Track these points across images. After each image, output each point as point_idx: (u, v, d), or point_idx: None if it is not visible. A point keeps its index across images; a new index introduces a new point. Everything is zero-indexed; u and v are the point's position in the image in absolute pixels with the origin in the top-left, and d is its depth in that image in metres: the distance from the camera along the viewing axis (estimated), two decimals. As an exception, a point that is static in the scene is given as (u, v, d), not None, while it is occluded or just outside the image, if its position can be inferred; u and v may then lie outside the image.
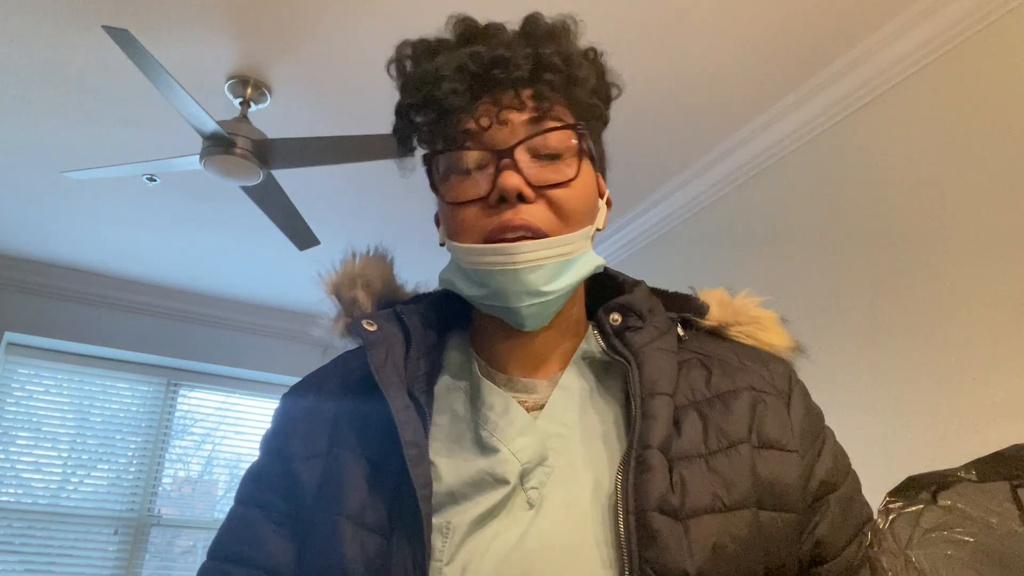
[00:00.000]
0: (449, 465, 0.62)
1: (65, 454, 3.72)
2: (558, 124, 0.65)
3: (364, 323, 0.67)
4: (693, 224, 2.81)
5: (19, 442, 3.65)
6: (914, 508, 0.45)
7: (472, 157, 0.64)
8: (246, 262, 3.64)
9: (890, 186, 2.03)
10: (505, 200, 0.62)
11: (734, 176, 2.59)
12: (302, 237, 2.73)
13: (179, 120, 2.35)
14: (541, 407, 0.66)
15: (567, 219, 0.64)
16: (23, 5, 2.04)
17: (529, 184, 0.63)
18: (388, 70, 0.71)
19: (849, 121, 2.20)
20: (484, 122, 0.64)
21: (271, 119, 2.45)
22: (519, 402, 0.66)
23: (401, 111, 0.69)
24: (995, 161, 1.76)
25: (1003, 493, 0.44)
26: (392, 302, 0.73)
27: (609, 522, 0.58)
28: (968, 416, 1.68)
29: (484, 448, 0.63)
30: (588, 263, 0.66)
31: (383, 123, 2.72)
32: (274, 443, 0.69)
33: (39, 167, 2.84)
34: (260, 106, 2.39)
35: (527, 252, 0.62)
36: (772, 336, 0.73)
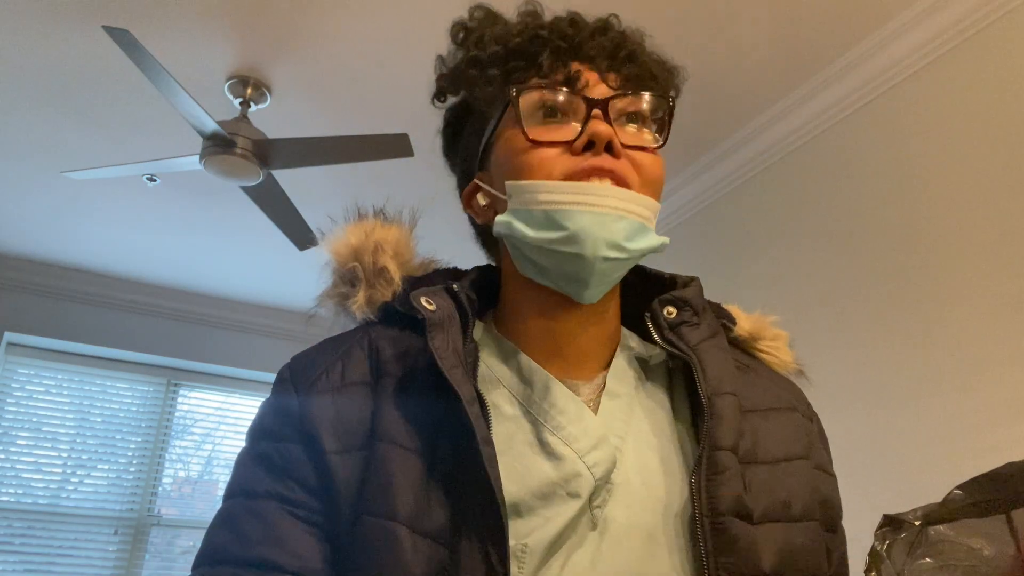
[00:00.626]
0: (509, 469, 0.55)
1: (65, 454, 3.72)
2: (652, 92, 0.64)
3: (423, 300, 0.59)
4: (693, 224, 2.81)
5: (19, 442, 3.65)
6: (910, 534, 0.45)
7: (559, 101, 0.61)
8: (246, 262, 3.64)
9: (891, 186, 2.03)
10: (592, 147, 0.59)
11: (734, 176, 2.59)
12: (302, 237, 2.73)
13: (179, 120, 2.35)
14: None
15: (648, 186, 0.61)
16: (23, 5, 2.04)
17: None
18: (454, 31, 0.68)
19: (848, 121, 2.20)
20: (586, 72, 0.62)
21: (271, 119, 2.45)
22: None
23: (475, 60, 0.65)
24: (996, 161, 1.76)
25: (998, 520, 0.44)
26: (414, 280, 0.66)
27: (678, 540, 0.55)
28: (970, 416, 1.68)
29: (550, 456, 0.56)
30: (656, 238, 0.61)
31: (383, 123, 2.72)
32: (293, 427, 0.57)
33: (39, 167, 2.84)
34: (260, 106, 2.39)
35: (618, 198, 0.58)
36: (788, 357, 0.71)
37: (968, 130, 1.84)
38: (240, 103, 2.34)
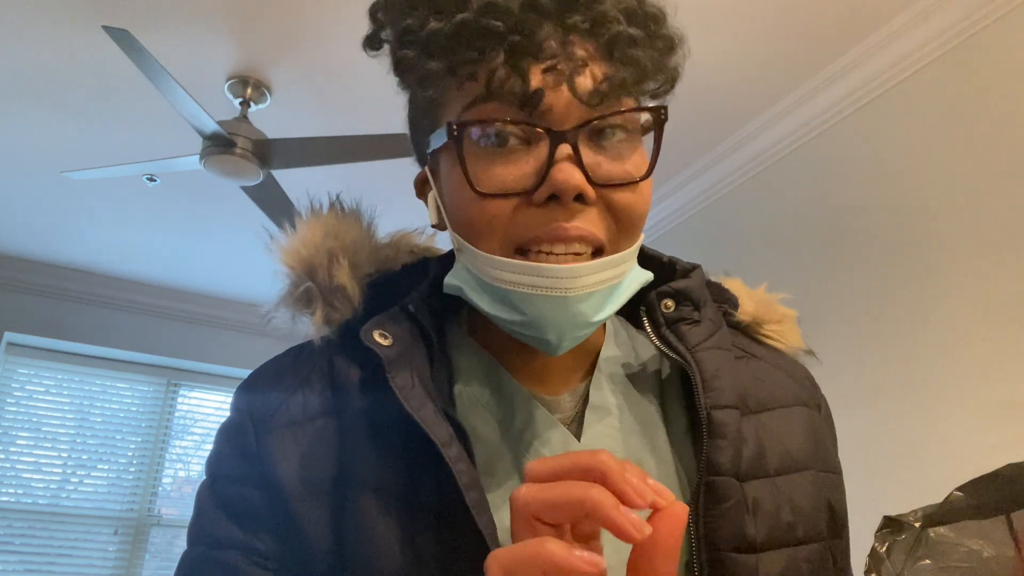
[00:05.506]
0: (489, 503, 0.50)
1: (65, 454, 3.72)
2: (634, 104, 0.50)
3: (376, 335, 0.51)
4: (691, 225, 2.81)
5: (19, 442, 3.65)
6: (910, 536, 0.45)
7: (514, 129, 0.48)
8: (246, 262, 3.64)
9: (889, 187, 2.03)
10: (557, 199, 0.47)
11: (733, 177, 2.59)
12: (302, 237, 2.73)
13: (179, 120, 2.35)
14: (566, 426, 0.55)
15: (626, 230, 0.50)
16: (23, 5, 2.03)
17: (590, 181, 0.48)
18: None
19: (847, 122, 2.20)
20: (553, 88, 0.47)
21: (271, 119, 2.45)
22: None
23: (411, 34, 0.50)
24: (994, 162, 1.76)
25: (998, 521, 0.43)
26: (378, 278, 0.59)
27: None
28: (970, 417, 1.67)
29: None
30: (635, 281, 0.53)
31: (383, 123, 2.71)
32: (251, 465, 0.51)
33: (39, 167, 2.84)
34: (260, 106, 2.39)
35: (583, 278, 0.48)
36: (795, 338, 0.65)
37: (959, 134, 1.84)
38: (240, 103, 2.34)
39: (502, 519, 0.48)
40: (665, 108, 0.51)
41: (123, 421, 3.87)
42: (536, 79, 0.47)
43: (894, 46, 2.03)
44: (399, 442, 0.49)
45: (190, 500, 3.78)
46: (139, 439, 3.87)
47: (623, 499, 0.35)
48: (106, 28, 1.85)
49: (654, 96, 0.53)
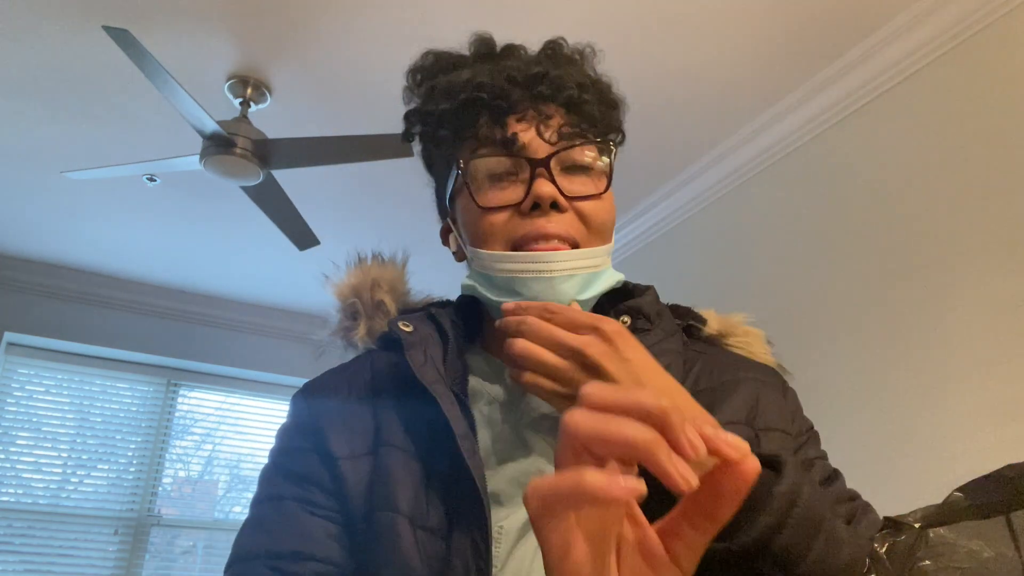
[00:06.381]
0: (492, 466, 0.63)
1: (65, 454, 3.72)
2: (591, 140, 0.67)
3: (400, 324, 0.67)
4: (692, 224, 2.81)
5: (19, 442, 3.65)
6: (910, 537, 0.45)
7: (505, 165, 0.65)
8: (246, 262, 3.64)
9: (889, 187, 2.03)
10: (539, 207, 0.63)
11: (733, 177, 2.59)
12: (302, 237, 2.73)
13: (179, 120, 2.36)
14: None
15: (595, 232, 0.66)
16: (23, 5, 2.04)
17: (562, 194, 0.64)
18: (409, 77, 0.72)
19: (847, 122, 2.20)
20: (525, 132, 0.65)
21: (271, 119, 2.45)
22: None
23: (428, 115, 0.69)
24: (994, 162, 1.76)
25: (998, 521, 0.44)
26: (409, 309, 0.73)
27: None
28: (968, 418, 1.68)
29: (525, 448, 0.63)
30: (611, 277, 0.68)
31: (383, 123, 2.70)
32: (308, 440, 0.64)
33: (39, 167, 2.84)
34: (260, 106, 2.39)
35: (563, 261, 0.63)
36: (761, 349, 0.76)
37: (960, 134, 1.84)
38: (240, 103, 2.34)
39: (497, 484, 0.60)
40: (611, 141, 0.68)
41: (123, 421, 3.88)
42: (512, 128, 0.66)
43: (896, 46, 2.03)
44: (418, 412, 0.62)
45: (190, 500, 3.78)
46: (139, 439, 3.87)
47: (677, 449, 0.36)
48: (106, 28, 1.85)
49: (612, 144, 0.69)
